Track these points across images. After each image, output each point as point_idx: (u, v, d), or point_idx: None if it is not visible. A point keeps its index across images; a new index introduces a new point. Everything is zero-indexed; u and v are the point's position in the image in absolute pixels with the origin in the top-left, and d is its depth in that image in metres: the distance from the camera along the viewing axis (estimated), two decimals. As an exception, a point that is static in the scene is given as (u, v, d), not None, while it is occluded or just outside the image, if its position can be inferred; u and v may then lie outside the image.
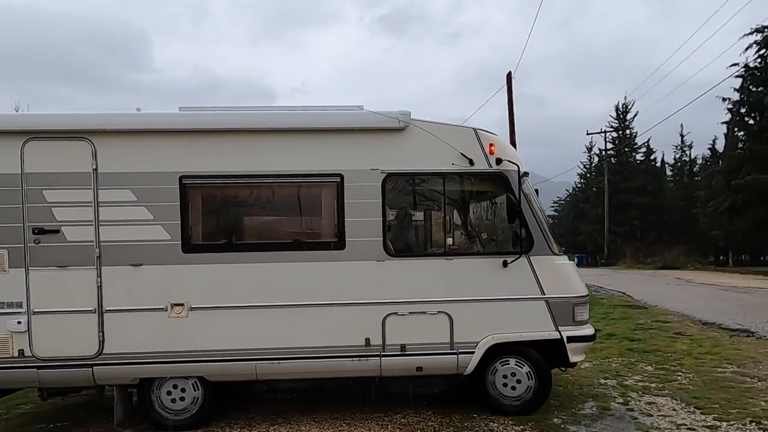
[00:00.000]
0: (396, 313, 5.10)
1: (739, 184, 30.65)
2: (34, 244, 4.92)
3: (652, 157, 49.22)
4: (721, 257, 42.95)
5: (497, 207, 5.51)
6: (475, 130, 5.29)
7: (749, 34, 31.18)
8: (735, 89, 33.02)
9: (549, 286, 5.21)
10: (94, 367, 4.95)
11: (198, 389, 5.14)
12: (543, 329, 5.21)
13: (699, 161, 47.23)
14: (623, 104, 48.15)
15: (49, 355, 4.93)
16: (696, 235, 41.87)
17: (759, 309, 12.83)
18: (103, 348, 4.95)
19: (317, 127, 5.16)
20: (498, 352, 5.25)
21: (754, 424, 5.07)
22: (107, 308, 4.96)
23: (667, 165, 50.60)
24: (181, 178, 5.04)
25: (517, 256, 5.14)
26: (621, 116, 48.35)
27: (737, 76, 32.43)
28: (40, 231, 4.93)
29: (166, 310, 5.00)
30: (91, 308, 4.95)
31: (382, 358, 5.10)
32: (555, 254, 5.32)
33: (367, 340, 5.09)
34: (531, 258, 5.20)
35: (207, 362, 5.02)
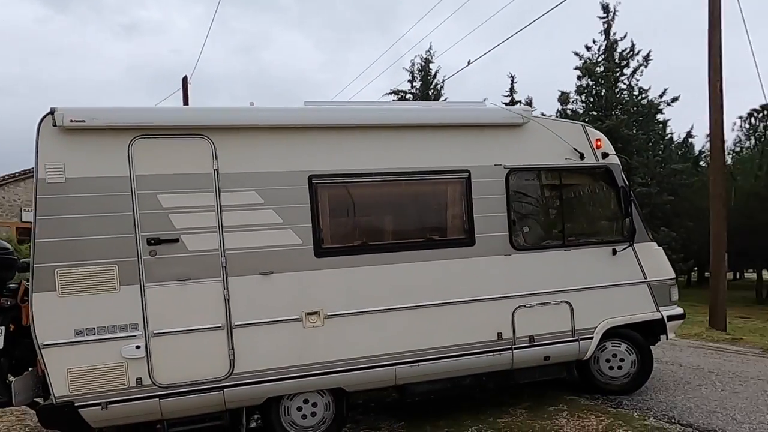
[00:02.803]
0: (524, 305, 5.19)
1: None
2: (149, 257, 4.31)
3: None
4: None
5: (604, 198, 5.79)
6: (583, 126, 5.55)
7: (389, 94, 32.77)
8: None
9: (650, 270, 5.62)
10: (225, 390, 4.46)
11: (329, 401, 4.84)
12: (647, 311, 5.61)
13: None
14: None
15: (172, 381, 4.35)
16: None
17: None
18: (234, 368, 4.47)
19: (446, 122, 5.08)
20: (605, 336, 5.57)
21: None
22: (236, 323, 4.49)
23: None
24: (310, 178, 4.69)
25: (628, 244, 5.48)
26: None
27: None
28: (156, 241, 4.32)
29: (301, 320, 4.64)
30: (219, 324, 4.45)
31: (514, 351, 5.17)
32: (651, 240, 5.74)
33: (499, 335, 5.13)
34: (634, 245, 5.56)
35: (346, 372, 4.73)
